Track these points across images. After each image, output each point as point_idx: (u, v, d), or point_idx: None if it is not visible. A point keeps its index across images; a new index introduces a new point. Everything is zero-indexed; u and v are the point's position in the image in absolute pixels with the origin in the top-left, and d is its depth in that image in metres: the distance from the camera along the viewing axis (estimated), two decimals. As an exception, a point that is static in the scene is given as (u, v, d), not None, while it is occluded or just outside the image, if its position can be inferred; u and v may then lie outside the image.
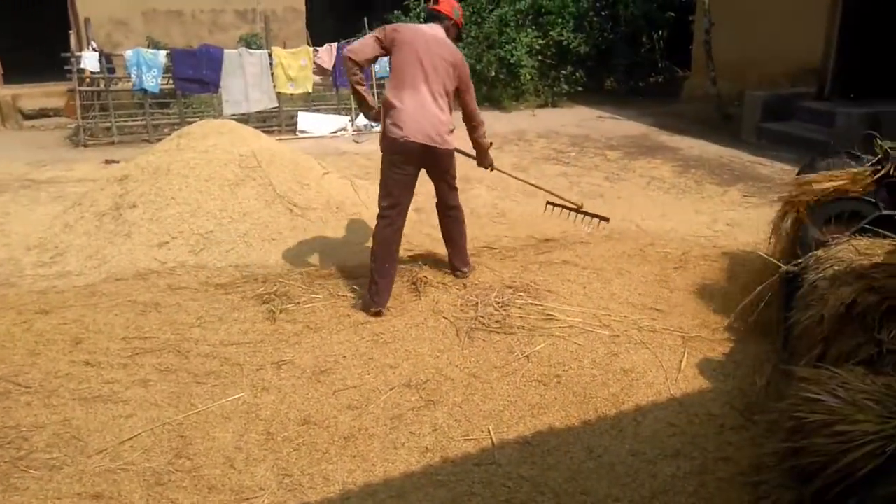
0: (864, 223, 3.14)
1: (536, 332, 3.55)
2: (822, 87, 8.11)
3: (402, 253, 4.15)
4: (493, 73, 10.29)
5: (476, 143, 4.16)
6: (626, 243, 4.84)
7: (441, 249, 4.35)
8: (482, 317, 3.69)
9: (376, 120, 3.99)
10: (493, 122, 9.22)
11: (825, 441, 2.24)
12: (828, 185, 3.65)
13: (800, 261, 3.21)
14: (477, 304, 3.82)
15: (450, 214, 4.14)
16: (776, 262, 3.54)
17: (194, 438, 2.87)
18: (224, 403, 3.09)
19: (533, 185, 4.74)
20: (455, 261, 4.19)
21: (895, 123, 6.32)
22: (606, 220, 4.51)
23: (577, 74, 10.62)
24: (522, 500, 2.49)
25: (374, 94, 4.14)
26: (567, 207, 4.53)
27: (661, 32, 11.44)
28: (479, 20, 11.04)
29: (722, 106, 8.80)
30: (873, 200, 3.38)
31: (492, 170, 4.35)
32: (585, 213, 4.52)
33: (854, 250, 2.93)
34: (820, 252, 3.11)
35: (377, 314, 3.80)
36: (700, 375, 3.24)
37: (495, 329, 3.59)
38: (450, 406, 3.04)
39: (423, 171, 3.93)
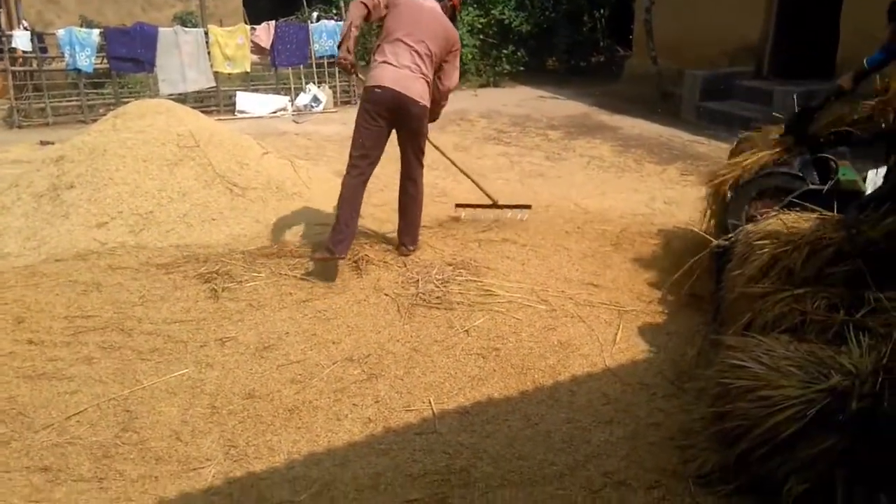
0: (791, 197, 3.25)
1: (476, 307, 3.62)
2: (759, 66, 8.27)
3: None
4: (435, 53, 10.24)
5: (433, 105, 4.16)
6: (564, 221, 4.93)
7: (384, 228, 4.37)
8: (423, 293, 3.74)
9: (347, 69, 4.02)
10: (436, 102, 9.26)
11: (749, 406, 2.33)
12: (752, 160, 3.82)
13: (730, 235, 3.32)
14: (418, 281, 3.87)
15: (409, 191, 4.14)
16: (708, 237, 3.68)
17: (140, 413, 2.88)
18: (169, 379, 3.10)
19: (465, 173, 4.66)
20: (403, 237, 4.20)
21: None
22: (528, 207, 4.48)
23: (519, 54, 10.64)
24: (462, 465, 2.56)
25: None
26: (479, 206, 4.42)
27: (602, 11, 11.54)
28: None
29: (662, 85, 8.96)
30: (801, 175, 3.52)
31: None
32: (503, 207, 4.44)
33: (782, 224, 3.03)
34: (749, 226, 3.21)
35: (329, 259, 3.88)
36: (634, 347, 3.35)
37: (436, 305, 3.65)
38: (391, 379, 3.09)
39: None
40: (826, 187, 3.25)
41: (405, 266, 4.07)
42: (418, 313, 3.60)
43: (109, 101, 8.85)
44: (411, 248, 4.20)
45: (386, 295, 3.78)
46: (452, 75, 4.14)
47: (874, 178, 3.48)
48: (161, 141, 4.97)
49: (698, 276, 3.63)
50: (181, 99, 8.48)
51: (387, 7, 3.94)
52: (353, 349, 3.32)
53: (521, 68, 10.65)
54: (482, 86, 10.41)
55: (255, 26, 9.30)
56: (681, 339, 3.40)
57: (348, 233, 3.93)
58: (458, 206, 4.53)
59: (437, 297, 3.70)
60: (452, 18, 4.13)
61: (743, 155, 4.01)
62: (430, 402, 2.94)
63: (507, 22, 10.69)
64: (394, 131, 4.01)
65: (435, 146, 4.50)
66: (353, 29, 3.89)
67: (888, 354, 2.24)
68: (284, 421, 2.83)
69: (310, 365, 3.21)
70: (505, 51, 10.59)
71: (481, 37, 10.56)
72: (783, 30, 8.09)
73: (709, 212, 4.23)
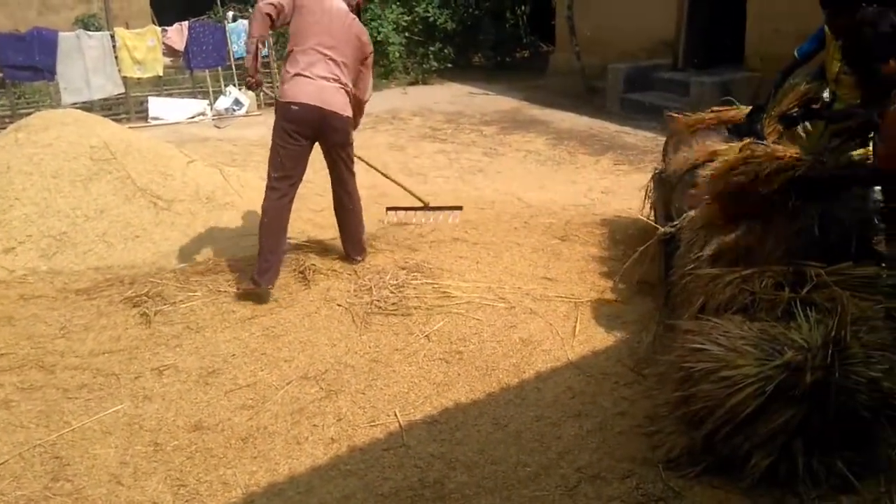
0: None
1: (434, 310, 3.55)
2: (676, 58, 8.60)
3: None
4: (361, 51, 10.09)
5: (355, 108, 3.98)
6: (511, 216, 4.92)
7: (326, 234, 4.21)
8: (378, 300, 3.63)
9: (254, 88, 3.86)
10: (365, 101, 9.11)
11: (712, 387, 2.39)
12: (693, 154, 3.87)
13: (675, 222, 3.38)
14: (371, 288, 3.75)
15: (345, 203, 3.94)
16: (653, 224, 3.72)
17: (72, 458, 2.64)
18: (102, 417, 2.86)
19: (390, 178, 4.52)
20: (348, 248, 4.03)
21: (742, 89, 6.84)
22: (459, 208, 4.38)
23: (446, 51, 10.65)
24: (435, 477, 2.49)
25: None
26: (411, 209, 4.33)
27: (523, 8, 11.68)
28: (342, -5, 10.76)
29: (586, 79, 9.13)
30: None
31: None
32: (434, 209, 4.34)
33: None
34: (693, 213, 3.28)
35: (256, 291, 3.65)
36: (593, 338, 3.37)
37: (392, 312, 3.55)
38: (352, 394, 2.99)
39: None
40: None
41: (356, 273, 3.94)
42: (375, 322, 3.49)
43: (5, 112, 8.23)
44: (359, 258, 4.02)
45: (338, 305, 3.64)
46: (368, 85, 3.96)
47: None
48: (72, 154, 4.65)
49: (647, 264, 3.70)
50: (87, 107, 7.98)
51: (291, 12, 3.69)
52: (307, 366, 3.18)
53: (449, 65, 10.66)
54: (411, 83, 10.35)
55: (166, 28, 8.87)
56: (636, 327, 3.45)
57: (274, 261, 3.69)
58: (388, 209, 4.40)
59: (394, 304, 3.60)
60: (358, 16, 3.90)
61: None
62: (395, 415, 2.85)
63: (431, 19, 10.68)
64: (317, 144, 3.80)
65: (358, 157, 4.27)
66: (259, 46, 3.69)
67: (835, 327, 2.35)
68: (238, 452, 2.66)
69: (262, 387, 3.04)
70: (432, 48, 10.56)
71: (407, 34, 10.49)
72: (695, 23, 8.44)
73: (652, 199, 4.28)
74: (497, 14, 11.43)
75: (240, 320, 3.54)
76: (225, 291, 3.78)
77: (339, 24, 3.71)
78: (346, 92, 3.75)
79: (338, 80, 3.69)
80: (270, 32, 3.86)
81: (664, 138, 4.69)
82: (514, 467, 2.52)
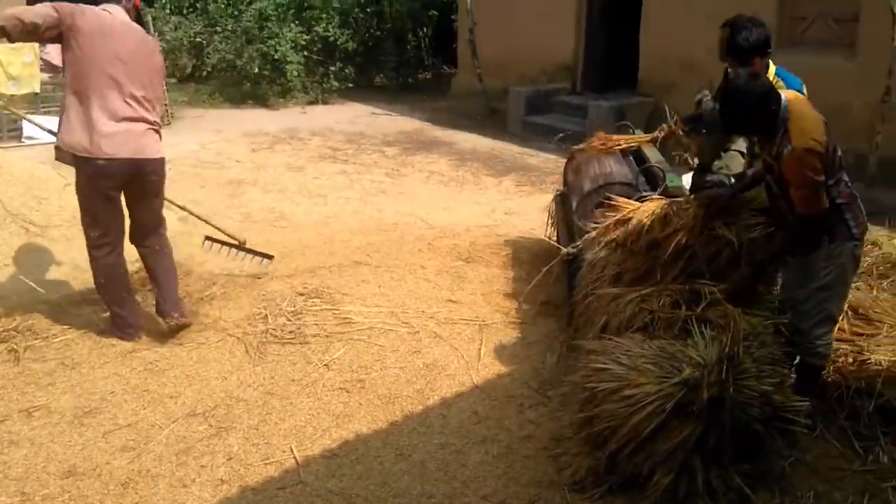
0: (622, 216, 3.41)
1: (334, 337, 3.44)
2: (574, 82, 8.92)
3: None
4: (257, 70, 9.87)
5: None
6: (415, 238, 4.87)
7: (216, 258, 3.97)
8: (273, 329, 3.49)
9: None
10: (262, 120, 8.85)
11: (614, 406, 2.43)
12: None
13: (577, 243, 3.43)
14: (266, 315, 3.60)
15: (152, 246, 3.44)
16: (556, 245, 3.77)
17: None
18: (-42, 469, 2.57)
19: (195, 215, 4.19)
20: (165, 306, 3.41)
21: (637, 113, 7.16)
22: (270, 257, 4.19)
23: (347, 71, 10.55)
24: (334, 516, 2.38)
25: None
26: (227, 244, 4.15)
27: (426, 30, 11.79)
28: (237, 13, 10.55)
29: (488, 101, 9.28)
30: (634, 184, 3.70)
31: None
32: (247, 251, 4.16)
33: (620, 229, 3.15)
34: (593, 233, 3.34)
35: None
36: (498, 360, 3.36)
37: (289, 340, 3.42)
38: (245, 430, 2.84)
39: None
40: (656, 193, 3.44)
41: (250, 300, 3.77)
42: (270, 352, 3.35)
43: None
44: (176, 315, 3.40)
45: (230, 335, 3.47)
46: (159, 95, 3.45)
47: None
48: (-68, 177, 4.24)
49: (551, 284, 3.75)
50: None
51: (69, 30, 3.00)
52: (195, 402, 3.00)
53: (350, 85, 10.55)
54: (311, 103, 10.17)
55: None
56: (541, 348, 3.47)
57: (128, 313, 3.38)
58: (206, 238, 4.15)
59: (290, 332, 3.47)
60: (138, 20, 3.32)
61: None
62: (291, 450, 2.73)
63: (331, 39, 10.56)
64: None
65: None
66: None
67: (728, 344, 2.44)
68: (117, 498, 2.46)
69: (144, 427, 2.85)
70: (332, 68, 10.43)
71: (306, 53, 10.32)
72: (592, 50, 8.83)
73: (554, 221, 4.34)
74: (399, 35, 11.50)
75: (120, 354, 3.32)
76: (103, 324, 3.52)
77: (130, 44, 3.13)
78: (157, 130, 3.28)
79: (143, 119, 3.19)
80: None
81: (565, 160, 4.78)
82: (417, 499, 2.47)
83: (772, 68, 3.16)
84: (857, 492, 2.50)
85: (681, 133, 3.77)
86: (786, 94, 2.65)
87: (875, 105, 5.63)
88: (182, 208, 4.10)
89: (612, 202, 3.40)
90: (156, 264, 3.46)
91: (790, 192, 2.61)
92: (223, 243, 4.13)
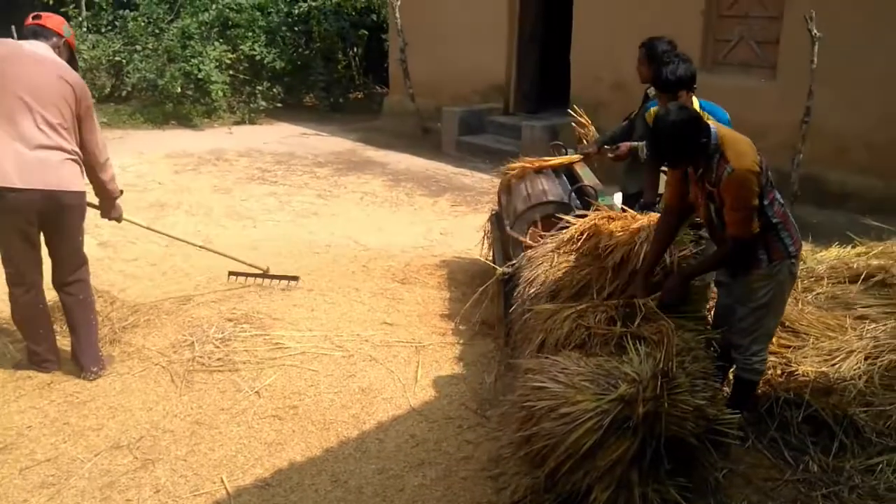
0: (561, 225, 3.47)
1: (265, 364, 3.35)
2: (507, 103, 9.02)
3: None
4: (179, 90, 9.61)
5: (100, 188, 3.30)
6: (348, 261, 4.80)
7: (140, 285, 3.80)
8: (200, 356, 3.37)
9: None
10: (186, 141, 8.61)
11: (552, 424, 2.42)
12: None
13: (513, 262, 3.45)
14: (193, 343, 3.47)
15: (76, 294, 3.22)
16: (492, 264, 3.78)
17: None
18: None
19: (215, 251, 4.21)
20: (81, 357, 3.23)
21: (569, 133, 7.21)
22: (296, 279, 4.19)
23: (275, 90, 10.40)
24: (267, 547, 2.30)
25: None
26: (251, 275, 4.17)
27: (356, 50, 11.75)
28: (158, 31, 10.26)
29: (421, 121, 9.31)
30: (568, 202, 3.76)
31: (120, 221, 3.52)
32: (273, 277, 4.18)
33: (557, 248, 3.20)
34: (529, 252, 3.37)
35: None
36: (435, 382, 3.33)
37: (217, 368, 3.30)
38: (172, 461, 2.74)
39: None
40: (590, 211, 3.51)
41: (175, 327, 3.62)
42: (197, 380, 3.23)
43: None
44: (95, 369, 3.23)
45: (155, 364, 3.33)
46: (92, 138, 3.15)
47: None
48: None
49: (487, 304, 3.75)
50: None
51: None
52: (119, 434, 2.88)
53: (279, 105, 10.39)
54: (237, 123, 9.96)
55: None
56: (478, 368, 3.47)
57: (44, 350, 3.21)
58: (231, 273, 4.17)
59: (219, 359, 3.35)
60: (72, 60, 3.19)
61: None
62: (222, 481, 2.63)
63: (258, 58, 10.39)
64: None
65: (136, 222, 3.74)
66: None
67: (662, 359, 2.47)
68: None
69: (64, 461, 2.73)
70: (259, 87, 10.25)
71: (231, 72, 10.10)
72: (524, 70, 8.98)
73: (488, 241, 4.35)
74: (328, 55, 11.41)
75: (37, 387, 3.15)
76: (16, 354, 3.33)
77: (41, 76, 2.97)
78: (76, 161, 3.07)
79: (60, 147, 3.00)
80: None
81: (499, 180, 4.82)
82: (354, 527, 2.41)
83: (695, 102, 3.26)
84: (788, 501, 2.57)
85: (609, 157, 3.86)
86: (712, 123, 2.74)
87: (796, 124, 5.91)
88: (202, 247, 4.11)
89: (547, 220, 3.46)
90: (76, 315, 3.24)
91: (723, 213, 2.66)
92: (248, 275, 4.13)
